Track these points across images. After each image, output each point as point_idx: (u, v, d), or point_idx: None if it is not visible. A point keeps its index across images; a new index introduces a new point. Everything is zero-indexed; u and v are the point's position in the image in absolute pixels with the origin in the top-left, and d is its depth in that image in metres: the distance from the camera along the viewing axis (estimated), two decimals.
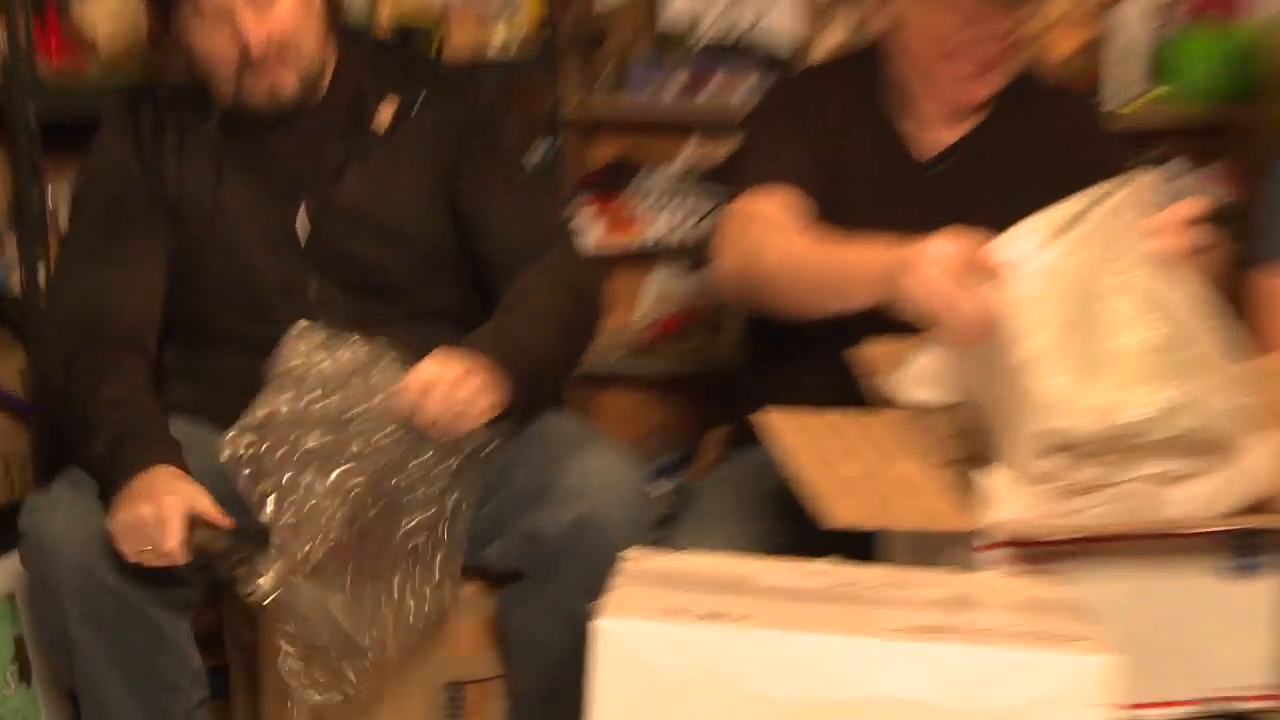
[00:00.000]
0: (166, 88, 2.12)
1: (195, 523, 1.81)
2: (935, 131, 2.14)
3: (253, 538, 1.83)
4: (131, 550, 1.82)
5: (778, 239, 1.96)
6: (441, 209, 2.11)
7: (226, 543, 1.82)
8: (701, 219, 3.09)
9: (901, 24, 2.10)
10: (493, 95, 2.16)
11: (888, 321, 1.77)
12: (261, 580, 1.82)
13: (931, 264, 1.64)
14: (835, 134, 2.14)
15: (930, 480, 1.58)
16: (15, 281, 2.54)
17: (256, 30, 1.97)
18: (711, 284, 2.08)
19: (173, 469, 1.86)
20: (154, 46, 2.45)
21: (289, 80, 2.03)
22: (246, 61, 2.00)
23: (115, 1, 2.48)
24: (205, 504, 1.83)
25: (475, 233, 2.11)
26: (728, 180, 2.19)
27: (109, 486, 1.86)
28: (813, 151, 2.11)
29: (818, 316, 1.90)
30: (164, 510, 1.80)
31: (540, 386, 1.95)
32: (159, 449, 1.88)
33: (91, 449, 1.89)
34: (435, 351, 1.87)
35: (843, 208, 2.09)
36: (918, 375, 1.73)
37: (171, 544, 1.79)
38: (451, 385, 1.84)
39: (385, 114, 2.11)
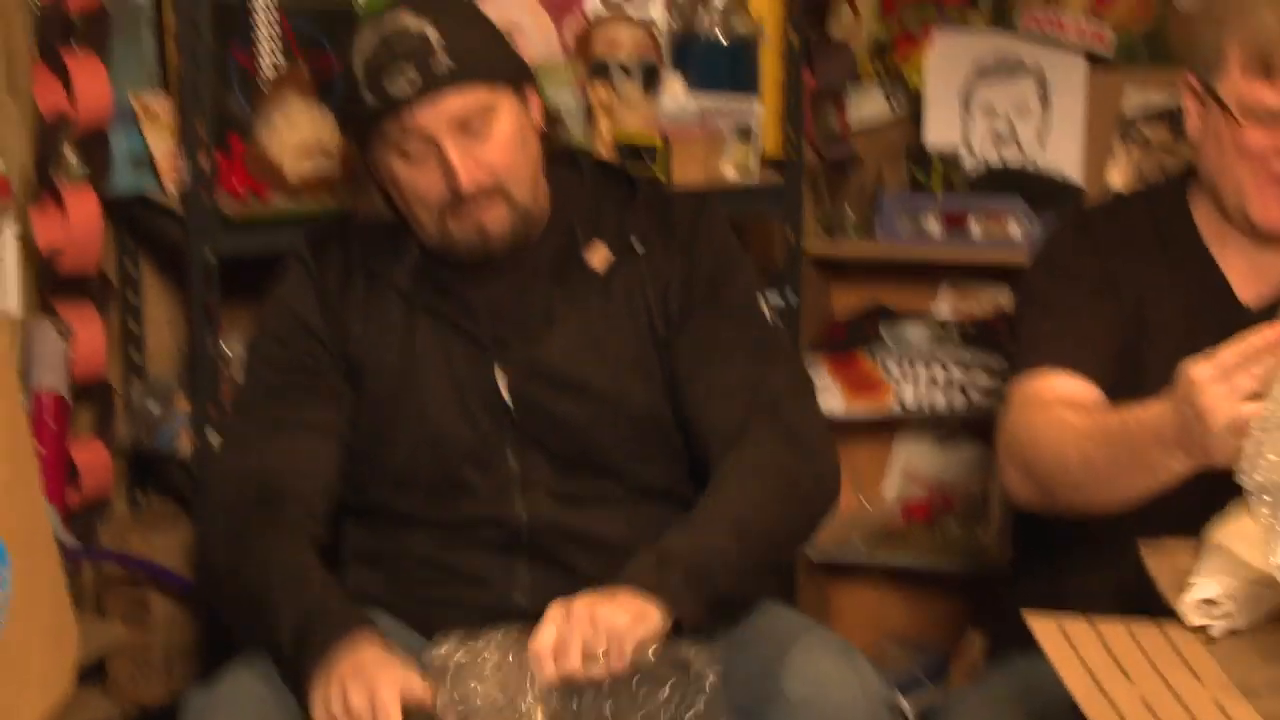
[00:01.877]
0: (359, 225, 2.21)
1: (408, 712, 1.83)
2: (1268, 269, 2.12)
3: None
4: None
5: (1055, 423, 1.95)
6: (659, 370, 2.15)
7: None
8: (962, 384, 3.11)
9: (1224, 138, 2.06)
10: (723, 237, 2.20)
11: (1192, 509, 1.76)
12: None
13: (1225, 372, 1.63)
14: (1136, 285, 2.13)
15: None
16: (183, 444, 2.67)
17: (466, 167, 2.06)
18: (999, 472, 2.08)
19: (375, 645, 1.89)
20: (349, 177, 2.59)
21: (501, 218, 2.10)
22: (454, 201, 2.08)
23: (306, 125, 2.64)
24: (418, 685, 1.85)
25: (686, 404, 2.12)
26: (1003, 347, 2.19)
27: (301, 671, 1.89)
28: (1107, 315, 2.11)
29: (1122, 505, 1.89)
30: (380, 697, 1.82)
31: (729, 596, 1.93)
32: (354, 623, 1.92)
33: (274, 632, 1.93)
34: (552, 606, 1.85)
35: (1143, 374, 2.08)
36: (1211, 588, 1.71)
37: None
38: (584, 631, 1.81)
39: (600, 257, 2.16)
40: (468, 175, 2.06)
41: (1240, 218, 2.09)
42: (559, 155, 2.26)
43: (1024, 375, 2.09)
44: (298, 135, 2.63)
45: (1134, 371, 2.10)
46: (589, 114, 2.82)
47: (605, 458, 2.14)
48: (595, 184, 2.23)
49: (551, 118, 2.27)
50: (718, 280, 2.17)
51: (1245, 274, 2.14)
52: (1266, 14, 1.99)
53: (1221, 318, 2.09)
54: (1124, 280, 2.13)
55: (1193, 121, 2.12)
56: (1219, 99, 2.05)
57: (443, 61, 2.05)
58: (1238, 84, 2.03)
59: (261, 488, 2.07)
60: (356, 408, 2.16)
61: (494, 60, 2.11)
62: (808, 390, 2.18)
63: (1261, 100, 2.01)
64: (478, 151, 2.07)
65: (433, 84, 2.05)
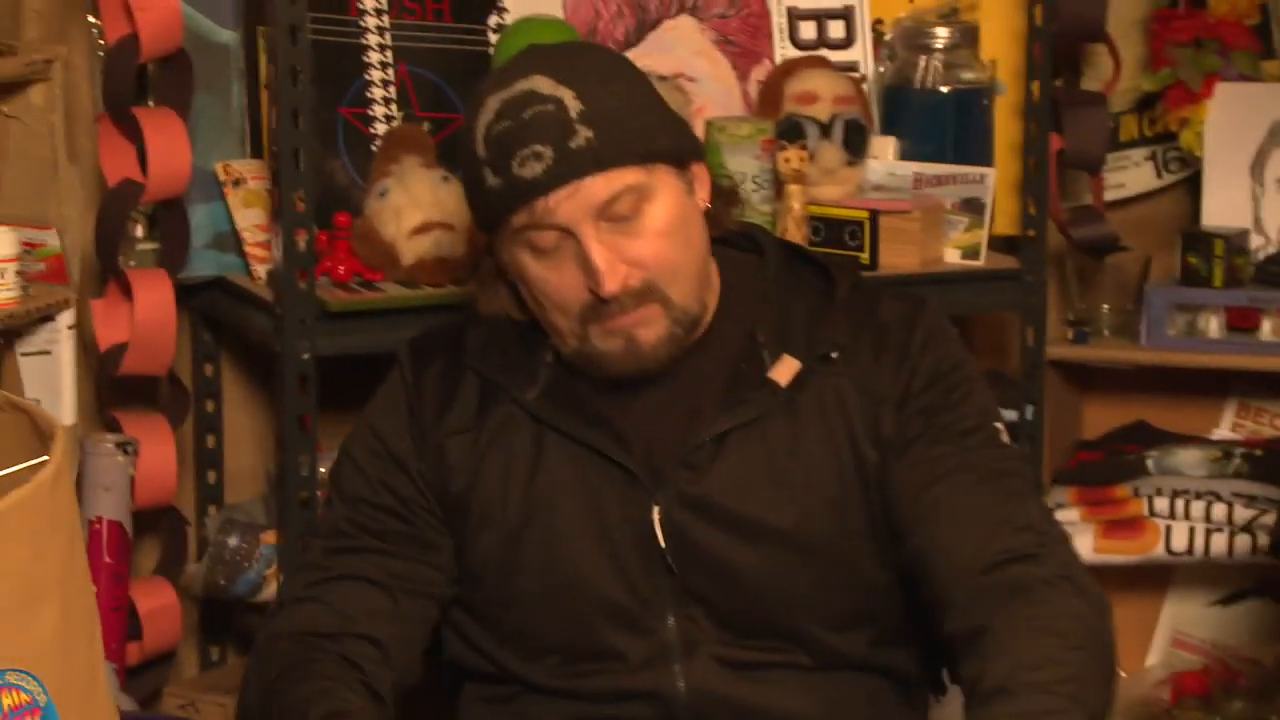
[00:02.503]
0: (480, 327, 2.18)
1: None
2: None
3: None
4: None
5: None
6: (862, 513, 2.10)
7: None
8: (1249, 526, 3.02)
9: None
10: (948, 350, 2.14)
11: None
12: None
13: None
14: None
15: None
16: (269, 589, 2.67)
17: (611, 265, 2.01)
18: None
19: None
20: (475, 260, 2.54)
21: (656, 327, 2.06)
22: (597, 306, 2.04)
23: (427, 196, 2.64)
24: None
25: (916, 545, 2.06)
26: None
27: None
28: None
29: None
30: None
31: None
32: None
33: None
34: None
35: None
36: None
37: None
38: None
39: (785, 370, 2.10)
40: (613, 276, 2.01)
41: None
42: (735, 238, 2.22)
43: None
44: (416, 209, 2.63)
45: None
46: (776, 183, 2.80)
47: (788, 617, 2.09)
48: (781, 275, 2.19)
49: (727, 191, 2.20)
50: (943, 406, 2.11)
51: None
52: None
53: None
54: None
55: None
56: None
57: (583, 137, 2.00)
58: None
59: (318, 626, 2.07)
60: (464, 557, 2.13)
61: (650, 133, 2.05)
62: (1061, 526, 2.13)
63: None
64: (626, 246, 2.02)
65: (570, 167, 2.00)
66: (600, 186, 2.00)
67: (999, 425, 2.13)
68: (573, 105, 1.99)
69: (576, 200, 2.00)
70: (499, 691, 2.14)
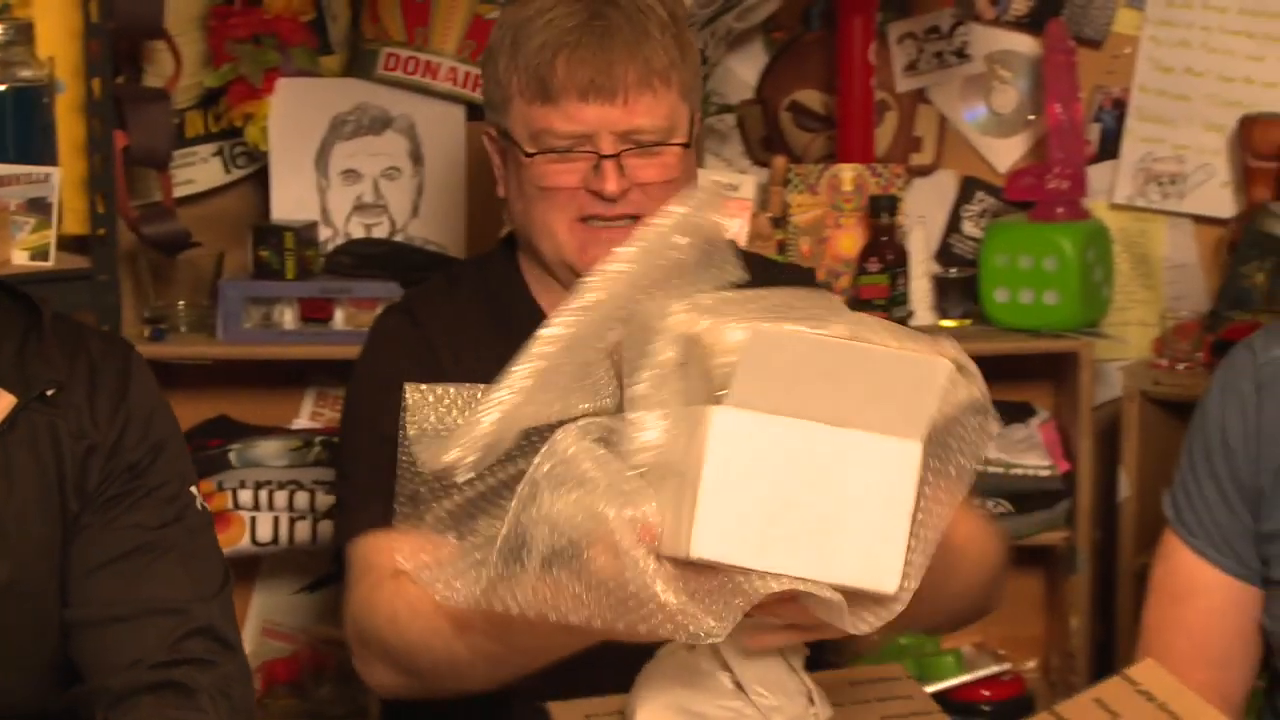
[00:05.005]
0: None
1: None
2: None
3: None
4: None
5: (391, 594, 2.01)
6: (58, 553, 2.04)
7: None
8: (331, 513, 3.08)
9: (526, 184, 2.18)
10: (156, 396, 2.12)
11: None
12: None
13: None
14: (471, 371, 2.16)
15: None
16: None
17: None
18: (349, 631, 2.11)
19: None
20: None
21: None
22: None
23: None
24: None
25: (84, 618, 2.02)
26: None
27: None
28: None
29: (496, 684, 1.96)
30: None
31: None
32: None
33: None
34: None
35: None
36: None
37: None
38: None
39: None
40: None
41: (562, 269, 2.20)
42: None
43: (355, 518, 2.16)
44: None
45: None
46: None
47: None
48: None
49: None
50: (150, 467, 2.07)
51: None
52: (538, 37, 2.16)
53: None
54: (451, 370, 2.17)
55: (500, 175, 2.25)
56: (513, 139, 2.18)
57: None
58: (524, 115, 2.17)
59: None
60: None
61: None
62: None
63: (549, 125, 2.15)
64: None
65: None
66: None
67: (194, 490, 2.11)
68: None
69: None
70: None
